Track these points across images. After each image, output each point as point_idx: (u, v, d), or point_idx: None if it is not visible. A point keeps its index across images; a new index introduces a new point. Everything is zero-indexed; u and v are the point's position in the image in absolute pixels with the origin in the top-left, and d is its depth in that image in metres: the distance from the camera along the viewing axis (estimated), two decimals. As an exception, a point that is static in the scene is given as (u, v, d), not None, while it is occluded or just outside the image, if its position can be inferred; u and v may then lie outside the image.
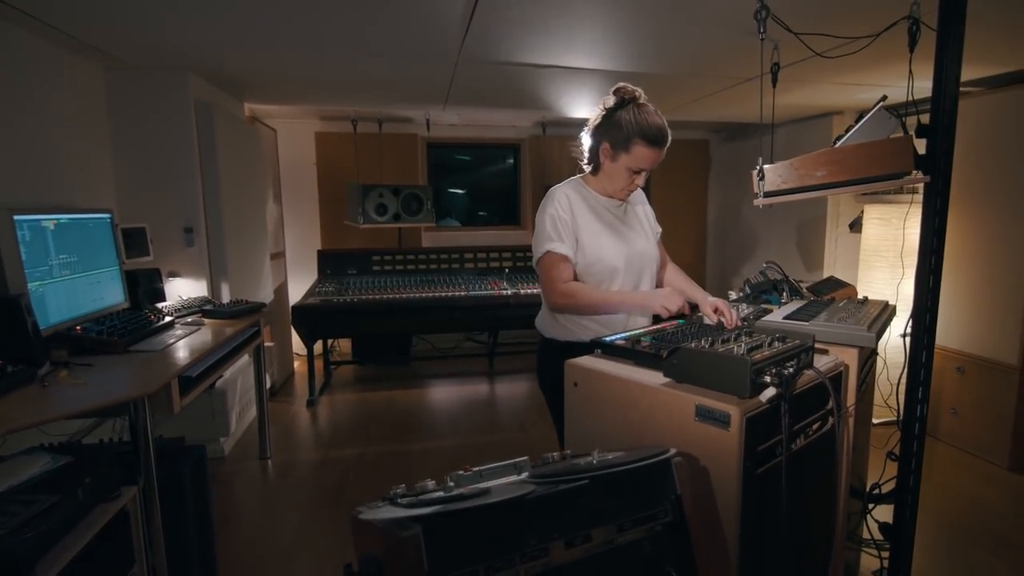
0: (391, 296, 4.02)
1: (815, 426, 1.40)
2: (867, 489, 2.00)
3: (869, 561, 2.02)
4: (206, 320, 2.69)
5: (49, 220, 2.14)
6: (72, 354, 2.04)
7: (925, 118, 1.60)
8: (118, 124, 2.93)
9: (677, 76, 3.15)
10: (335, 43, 2.58)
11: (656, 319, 1.82)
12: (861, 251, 3.68)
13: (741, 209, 5.40)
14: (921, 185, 1.63)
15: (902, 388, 1.70)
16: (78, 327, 2.16)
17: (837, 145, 1.81)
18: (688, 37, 2.48)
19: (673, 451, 1.13)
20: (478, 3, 2.04)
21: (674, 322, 1.70)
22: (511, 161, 5.68)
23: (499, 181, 5.80)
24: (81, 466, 1.54)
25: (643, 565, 1.06)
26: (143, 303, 2.67)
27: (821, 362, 1.46)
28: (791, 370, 1.26)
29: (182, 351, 2.17)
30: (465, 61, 2.83)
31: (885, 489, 1.95)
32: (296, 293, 4.47)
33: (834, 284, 2.36)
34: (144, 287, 2.73)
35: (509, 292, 4.14)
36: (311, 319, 3.83)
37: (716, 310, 1.70)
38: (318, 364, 4.28)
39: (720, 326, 1.66)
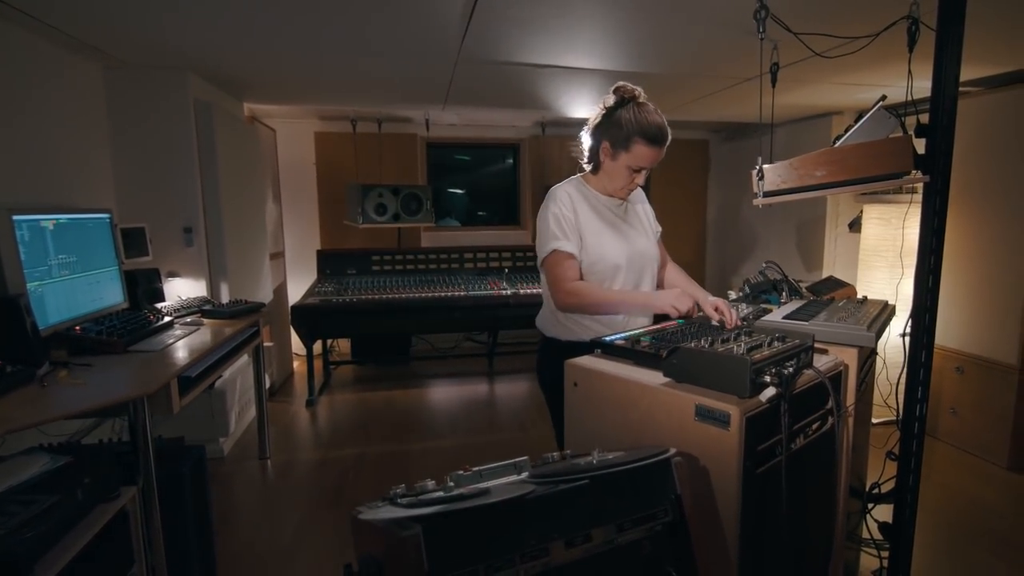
0: (390, 296, 4.01)
1: (815, 426, 1.40)
2: (867, 489, 2.00)
3: (869, 561, 2.02)
4: (205, 320, 2.69)
5: (48, 220, 2.14)
6: (71, 354, 2.04)
7: (924, 118, 1.61)
8: (117, 124, 2.93)
9: (676, 76, 3.16)
10: (335, 43, 2.58)
11: (657, 319, 1.82)
12: (860, 251, 3.69)
13: (741, 209, 5.40)
14: (920, 185, 1.63)
15: (901, 388, 1.70)
16: (77, 327, 2.16)
17: (836, 145, 1.81)
18: (687, 37, 2.48)
19: (673, 451, 1.13)
20: (477, 3, 2.04)
21: (674, 322, 1.70)
22: (510, 161, 5.68)
23: (499, 181, 5.80)
24: (80, 466, 1.54)
25: (643, 565, 1.06)
26: (142, 303, 2.67)
27: (821, 362, 1.46)
28: (791, 370, 1.26)
29: (181, 351, 2.17)
30: (464, 61, 2.83)
31: (885, 489, 1.95)
32: (295, 293, 4.46)
33: (833, 284, 2.36)
34: (143, 287, 2.73)
35: (509, 292, 4.14)
36: (310, 319, 3.83)
37: (716, 309, 1.71)
38: (317, 364, 4.28)
39: (720, 326, 1.66)
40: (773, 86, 2.29)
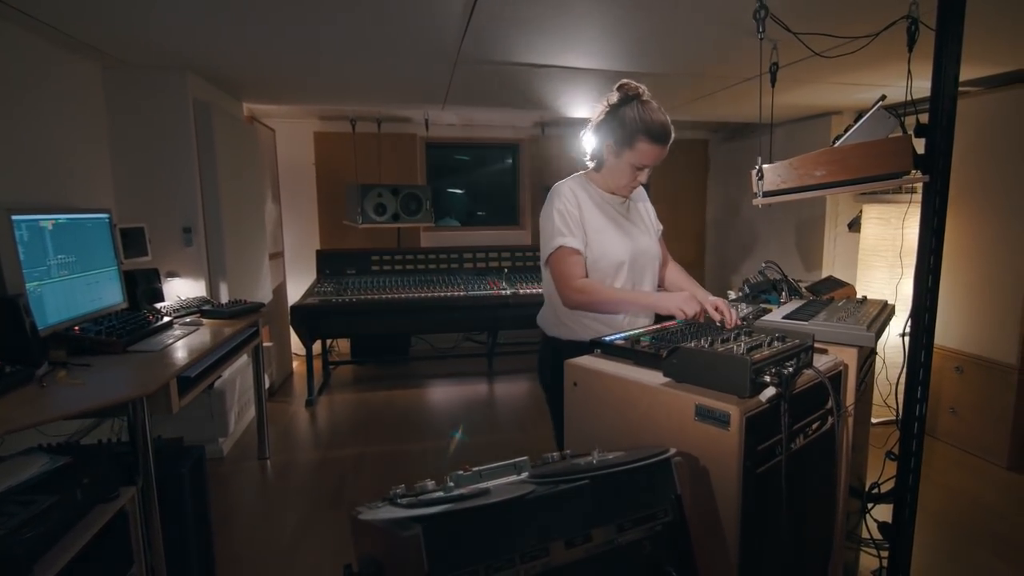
0: (390, 296, 4.01)
1: (815, 426, 1.40)
2: (866, 489, 2.00)
3: (868, 560, 2.02)
4: (205, 320, 2.69)
5: (47, 220, 2.14)
6: (70, 354, 2.04)
7: (924, 118, 1.61)
8: (116, 124, 2.93)
9: (676, 76, 3.15)
10: (334, 43, 2.57)
11: (658, 319, 1.81)
12: (860, 251, 3.69)
13: (740, 209, 5.40)
14: (920, 185, 1.63)
15: (901, 387, 1.70)
16: (76, 327, 2.15)
17: (836, 145, 1.81)
18: (687, 36, 2.48)
19: (673, 451, 1.13)
20: (477, 3, 2.04)
21: (674, 322, 1.70)
22: (510, 161, 5.68)
23: (498, 181, 5.79)
24: (79, 467, 1.54)
25: (643, 565, 1.06)
26: (141, 303, 2.66)
27: (820, 362, 1.46)
28: (791, 370, 1.26)
29: (181, 351, 2.17)
30: (464, 61, 2.83)
31: (884, 488, 1.94)
32: (295, 293, 4.46)
33: (833, 284, 2.36)
34: (142, 287, 2.73)
35: (508, 292, 4.13)
36: (310, 319, 3.83)
37: (716, 309, 1.70)
38: (317, 364, 4.27)
39: (720, 325, 1.66)
40: (773, 86, 2.29)
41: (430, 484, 0.99)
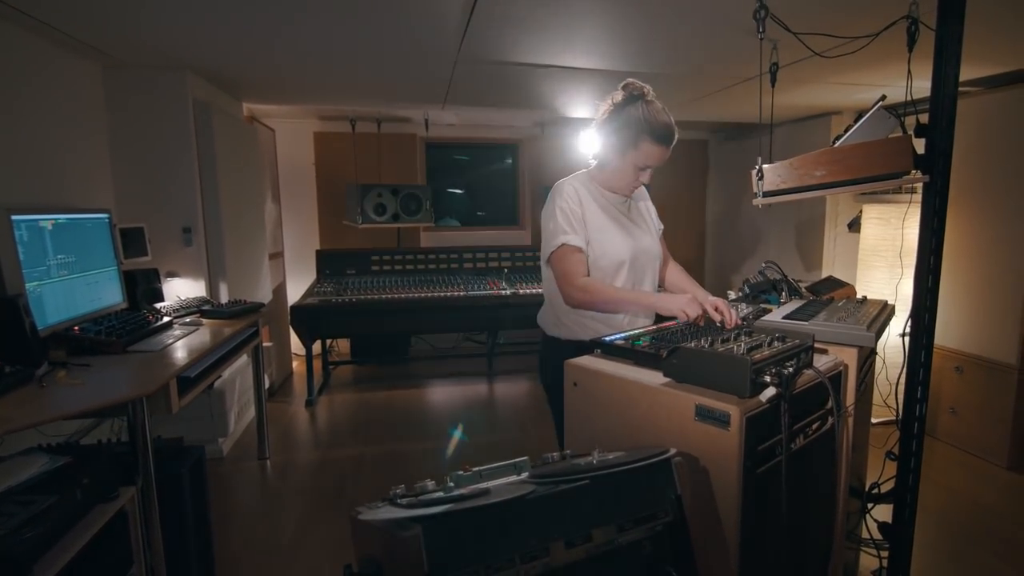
0: (390, 296, 4.01)
1: (815, 426, 1.40)
2: (866, 489, 2.00)
3: (868, 560, 2.02)
4: (204, 320, 2.68)
5: (47, 220, 2.14)
6: (70, 354, 2.04)
7: (924, 118, 1.61)
8: (116, 124, 2.93)
9: (676, 76, 3.15)
10: (334, 43, 2.57)
11: (658, 319, 1.81)
12: (860, 251, 3.69)
13: (740, 209, 5.40)
14: (920, 185, 1.63)
15: (901, 388, 1.70)
16: (76, 327, 2.15)
17: (836, 145, 1.81)
18: (687, 36, 2.48)
19: (673, 451, 1.13)
20: (477, 3, 2.04)
21: (674, 322, 1.70)
22: (510, 161, 5.68)
23: (498, 181, 5.79)
24: (79, 467, 1.54)
25: (643, 565, 1.06)
26: (141, 303, 2.66)
27: (820, 362, 1.46)
28: (791, 370, 1.26)
29: (180, 351, 2.17)
30: (464, 61, 2.83)
31: (884, 489, 1.94)
32: (295, 293, 4.46)
33: (833, 284, 2.36)
34: (142, 287, 2.72)
35: (508, 292, 4.13)
36: (310, 319, 3.83)
37: (716, 309, 1.70)
38: (317, 364, 4.27)
39: (720, 326, 1.66)
40: (773, 86, 2.29)
41: (430, 484, 0.99)
